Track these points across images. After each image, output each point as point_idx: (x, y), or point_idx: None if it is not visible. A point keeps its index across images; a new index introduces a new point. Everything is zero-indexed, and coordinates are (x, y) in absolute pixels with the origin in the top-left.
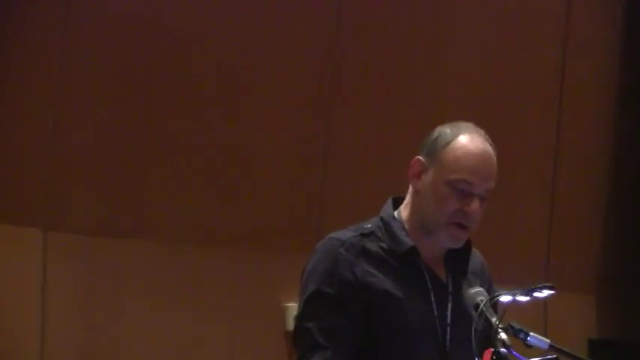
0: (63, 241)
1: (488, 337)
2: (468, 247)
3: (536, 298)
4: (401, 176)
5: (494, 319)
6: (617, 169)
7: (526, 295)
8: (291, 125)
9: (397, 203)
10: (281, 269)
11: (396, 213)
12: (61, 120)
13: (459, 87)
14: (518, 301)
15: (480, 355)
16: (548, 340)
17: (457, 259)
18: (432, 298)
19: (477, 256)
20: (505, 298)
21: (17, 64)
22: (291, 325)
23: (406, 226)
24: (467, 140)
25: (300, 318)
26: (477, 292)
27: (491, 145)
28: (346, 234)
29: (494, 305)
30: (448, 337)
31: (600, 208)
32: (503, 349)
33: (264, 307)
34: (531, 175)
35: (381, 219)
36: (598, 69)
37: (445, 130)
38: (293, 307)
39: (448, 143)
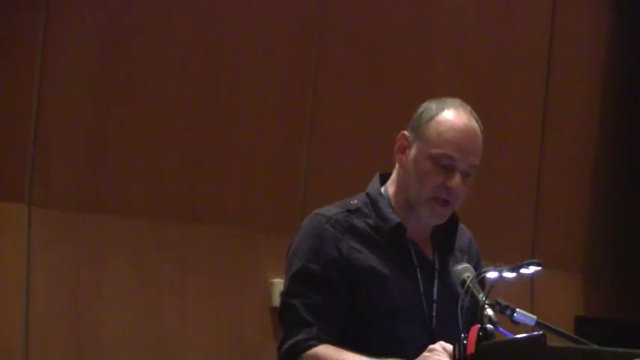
0: (48, 217)
1: (475, 313)
2: (454, 223)
3: (523, 275)
4: (387, 153)
5: (480, 296)
6: (604, 147)
7: (513, 271)
8: (276, 101)
9: (384, 179)
10: (266, 245)
11: (382, 189)
12: (45, 96)
13: (447, 63)
14: (505, 277)
15: (467, 332)
16: (534, 317)
17: (444, 236)
18: (419, 275)
19: (464, 233)
20: (491, 275)
21: (1, 38)
22: (276, 301)
23: (392, 203)
24: (451, 115)
25: (285, 294)
26: (463, 269)
27: (477, 120)
28: (332, 210)
29: (482, 282)
30: (434, 314)
31: (587, 186)
32: (489, 326)
33: (249, 283)
34: (518, 152)
35: (368, 195)
36: (584, 54)
37: (431, 105)
38: (279, 283)
39: (432, 118)
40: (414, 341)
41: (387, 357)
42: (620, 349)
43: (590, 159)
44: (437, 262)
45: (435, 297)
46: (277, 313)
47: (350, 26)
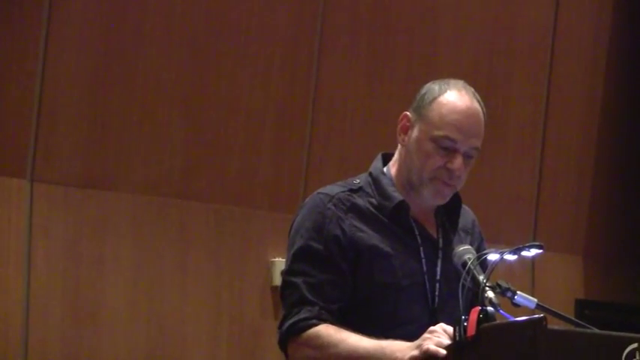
0: (49, 192)
1: (477, 294)
2: (457, 202)
3: (524, 257)
4: (388, 133)
5: (481, 278)
6: (606, 132)
7: (514, 253)
8: (279, 79)
9: (386, 159)
10: (267, 224)
11: (385, 169)
12: (48, 73)
13: (450, 41)
14: (506, 259)
15: (467, 314)
16: (535, 300)
17: (448, 215)
18: (422, 254)
19: (468, 214)
20: (493, 257)
21: (3, 15)
22: (277, 280)
23: (395, 182)
24: (453, 97)
25: (287, 273)
26: (464, 250)
27: (479, 102)
28: (334, 189)
29: (483, 264)
30: (437, 293)
31: (589, 169)
32: (490, 308)
33: (249, 262)
34: (521, 135)
35: (370, 174)
36: (589, 26)
37: (433, 86)
38: (279, 263)
39: (435, 99)
40: (416, 321)
41: (388, 337)
42: (621, 333)
43: (592, 143)
44: (441, 241)
45: (438, 276)
46: (279, 291)
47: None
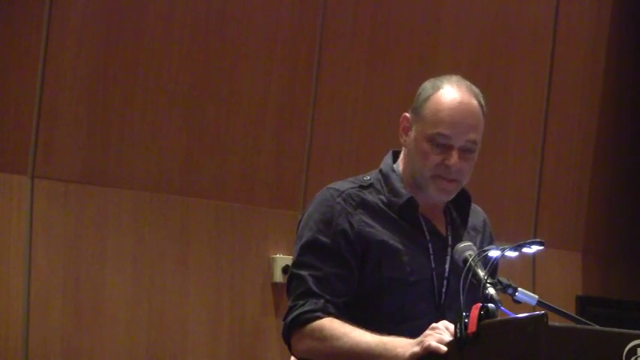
0: (50, 188)
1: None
2: (467, 200)
3: (525, 254)
4: (389, 129)
5: (482, 274)
6: (605, 129)
7: (515, 250)
8: (280, 76)
9: (396, 156)
10: (268, 221)
11: (395, 165)
12: (49, 68)
13: (450, 40)
14: (507, 256)
15: (469, 310)
16: (536, 296)
17: (457, 213)
18: (430, 251)
19: (479, 213)
20: (494, 254)
21: (3, 14)
22: (277, 276)
23: (403, 179)
24: (445, 93)
25: (294, 265)
26: (465, 247)
27: (476, 95)
28: (345, 185)
29: (486, 261)
30: (444, 290)
31: (587, 167)
32: (491, 305)
33: (250, 259)
34: (522, 131)
35: (380, 171)
36: (589, 26)
37: (427, 84)
38: (280, 259)
39: (428, 98)
40: (423, 317)
41: (394, 333)
42: (622, 330)
43: (591, 142)
44: (450, 239)
45: (446, 273)
46: (286, 283)
47: None
